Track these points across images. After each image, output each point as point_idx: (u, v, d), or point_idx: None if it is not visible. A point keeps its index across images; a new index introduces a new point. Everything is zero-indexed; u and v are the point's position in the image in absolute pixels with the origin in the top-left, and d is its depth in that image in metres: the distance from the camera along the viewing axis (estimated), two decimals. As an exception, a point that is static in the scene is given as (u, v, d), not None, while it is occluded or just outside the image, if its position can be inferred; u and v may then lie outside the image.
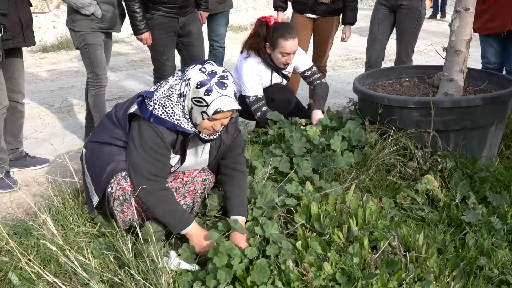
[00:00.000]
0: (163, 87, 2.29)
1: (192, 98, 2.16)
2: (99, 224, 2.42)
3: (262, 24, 3.43)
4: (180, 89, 2.22)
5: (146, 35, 3.68)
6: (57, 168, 3.48)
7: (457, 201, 2.69)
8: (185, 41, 3.86)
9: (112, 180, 2.30)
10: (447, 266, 2.13)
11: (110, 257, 2.16)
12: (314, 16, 4.16)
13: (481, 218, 2.48)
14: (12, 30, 3.01)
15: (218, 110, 2.12)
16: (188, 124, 2.24)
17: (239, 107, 2.21)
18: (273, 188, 2.58)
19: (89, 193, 2.46)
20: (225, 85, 2.14)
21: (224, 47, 4.95)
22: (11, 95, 3.25)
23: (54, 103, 5.24)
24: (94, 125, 3.78)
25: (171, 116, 2.21)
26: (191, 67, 2.22)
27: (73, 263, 2.01)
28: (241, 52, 3.58)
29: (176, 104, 2.22)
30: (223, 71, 2.18)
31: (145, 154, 2.23)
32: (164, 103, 2.22)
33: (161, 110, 2.21)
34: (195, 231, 2.28)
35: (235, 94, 2.18)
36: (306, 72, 3.68)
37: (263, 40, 3.43)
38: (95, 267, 2.07)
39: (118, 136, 2.40)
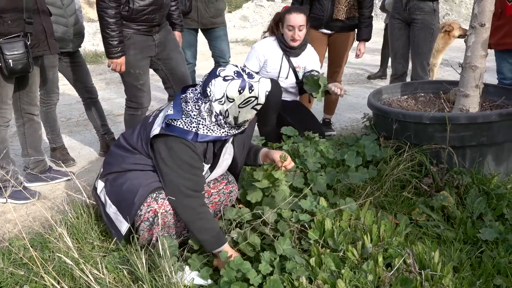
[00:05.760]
0: (189, 106, 2.27)
1: (238, 105, 2.17)
2: (115, 239, 2.43)
3: (284, 9, 3.71)
4: (214, 110, 2.20)
5: (122, 60, 3.21)
6: (71, 182, 3.51)
7: (473, 218, 2.66)
8: (161, 56, 3.42)
9: (143, 202, 2.30)
10: (463, 284, 2.10)
11: (124, 271, 2.18)
12: (329, 31, 4.18)
13: (498, 235, 2.45)
14: (37, 38, 3.07)
15: (267, 92, 2.20)
16: (233, 130, 2.29)
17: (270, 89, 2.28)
18: (284, 201, 2.58)
19: (114, 224, 2.40)
20: (250, 73, 2.22)
21: (229, 62, 4.94)
22: (27, 108, 3.30)
23: (71, 116, 5.32)
24: (49, 141, 3.90)
25: (216, 131, 2.25)
26: (211, 85, 2.17)
27: (88, 277, 2.03)
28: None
29: (213, 124, 2.25)
30: (236, 67, 2.22)
31: (181, 171, 2.23)
32: (203, 122, 2.24)
33: (206, 129, 2.23)
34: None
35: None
36: (313, 72, 3.68)
37: (279, 21, 3.67)
38: (109, 281, 2.08)
39: (140, 161, 2.38)
